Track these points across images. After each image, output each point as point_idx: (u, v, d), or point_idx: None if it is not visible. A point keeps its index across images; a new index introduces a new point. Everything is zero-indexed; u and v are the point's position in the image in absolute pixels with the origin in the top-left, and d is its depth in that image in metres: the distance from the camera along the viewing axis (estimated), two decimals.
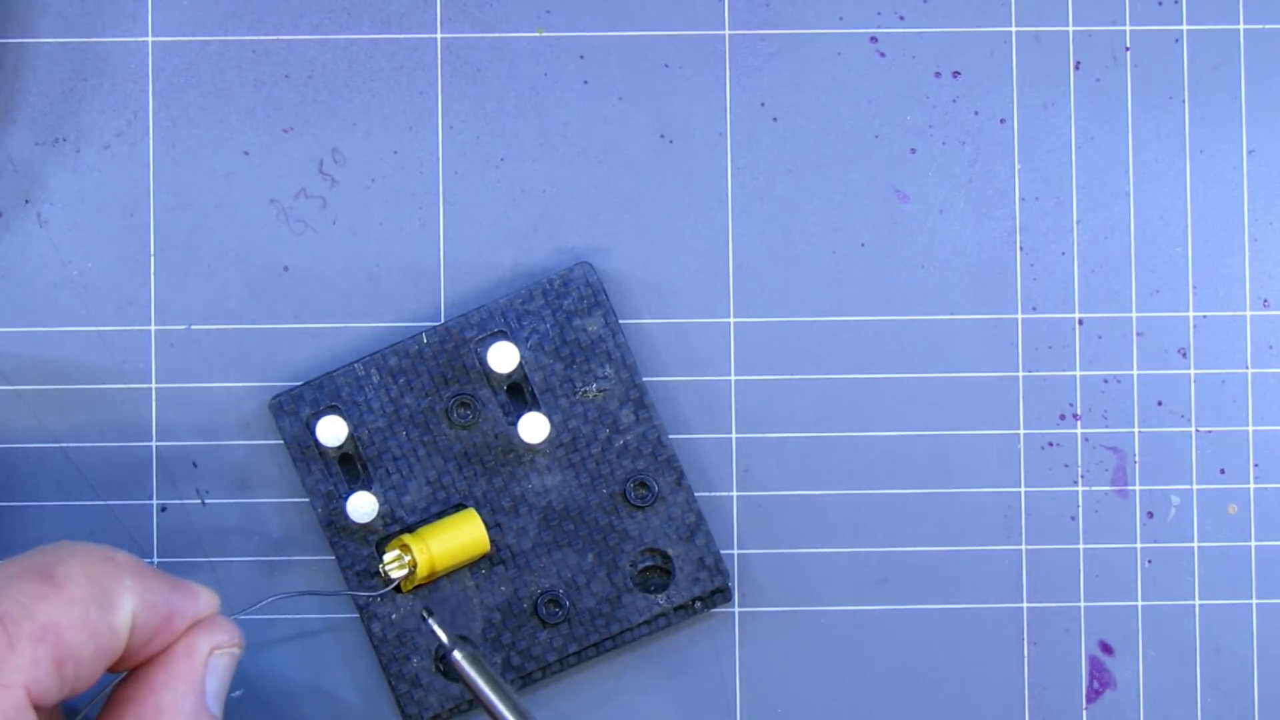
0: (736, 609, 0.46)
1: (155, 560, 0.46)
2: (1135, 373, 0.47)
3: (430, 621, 0.42)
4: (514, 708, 0.42)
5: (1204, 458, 0.47)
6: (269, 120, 0.46)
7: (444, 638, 0.42)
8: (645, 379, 0.46)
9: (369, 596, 0.44)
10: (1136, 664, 0.47)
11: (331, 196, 0.46)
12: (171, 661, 0.39)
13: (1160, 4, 0.47)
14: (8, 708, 0.35)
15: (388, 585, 0.44)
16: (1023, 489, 0.47)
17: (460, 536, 0.44)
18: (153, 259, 0.46)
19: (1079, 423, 0.47)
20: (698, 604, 0.46)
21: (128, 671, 0.39)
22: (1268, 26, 0.47)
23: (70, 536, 0.45)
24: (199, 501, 0.46)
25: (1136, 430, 0.47)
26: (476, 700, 0.42)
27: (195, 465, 0.46)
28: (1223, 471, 0.47)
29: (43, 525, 0.45)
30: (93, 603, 0.37)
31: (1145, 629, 0.47)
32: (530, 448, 0.45)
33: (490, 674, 0.42)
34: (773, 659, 0.46)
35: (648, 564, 0.46)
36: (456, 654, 0.42)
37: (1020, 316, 0.47)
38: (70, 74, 0.46)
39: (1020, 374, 0.47)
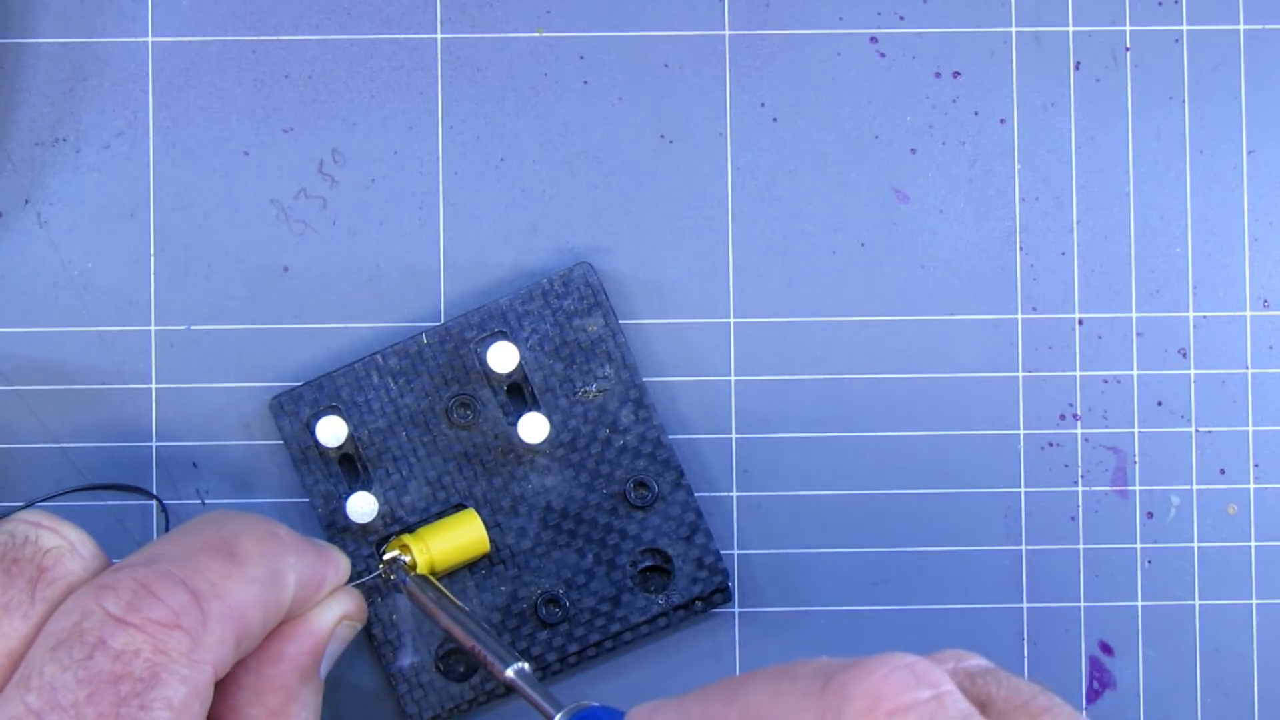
0: (736, 609, 0.46)
1: None
2: (1135, 373, 0.47)
3: (395, 560, 0.44)
4: (466, 626, 0.42)
5: (1204, 458, 0.47)
6: (269, 120, 0.46)
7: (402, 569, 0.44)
8: (645, 379, 0.46)
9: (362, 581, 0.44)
10: (1136, 664, 0.47)
11: (331, 196, 0.46)
12: (305, 620, 0.40)
13: (1160, 4, 0.47)
14: (201, 684, 0.36)
15: (386, 586, 0.44)
16: (1023, 489, 0.47)
17: (460, 536, 0.44)
18: (153, 259, 0.46)
19: (1079, 423, 0.47)
20: (698, 604, 0.46)
21: None
22: (1268, 26, 0.47)
23: None
24: (199, 501, 0.46)
25: (1136, 430, 0.47)
26: (431, 617, 0.43)
27: (195, 465, 0.46)
28: (1223, 471, 0.47)
29: None
30: (268, 582, 0.38)
31: (1145, 629, 0.47)
32: (530, 448, 0.45)
33: (443, 596, 0.43)
34: (773, 659, 0.46)
35: (648, 564, 0.46)
36: (409, 579, 0.44)
37: (1020, 316, 0.47)
38: (70, 74, 0.46)
39: (1020, 374, 0.47)
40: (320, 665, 0.41)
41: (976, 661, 0.34)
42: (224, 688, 0.39)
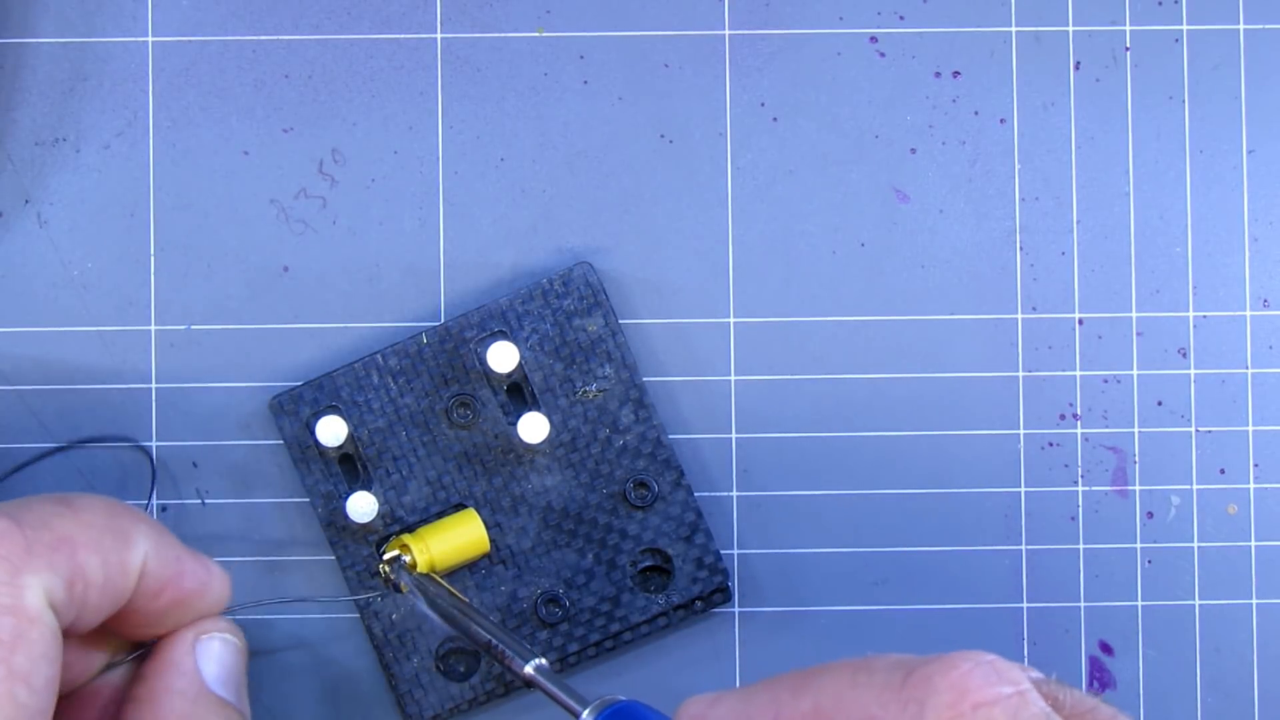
0: (736, 609, 0.46)
1: None
2: (1135, 373, 0.47)
3: (395, 563, 0.44)
4: (472, 620, 0.42)
5: (1204, 458, 0.47)
6: (269, 120, 0.46)
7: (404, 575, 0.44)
8: (645, 379, 0.46)
9: (368, 599, 0.44)
10: (1136, 664, 0.47)
11: (331, 196, 0.46)
12: (161, 650, 0.40)
13: (1160, 4, 0.47)
14: (30, 611, 0.35)
15: (387, 586, 0.44)
16: (1023, 489, 0.47)
17: (460, 536, 0.44)
18: (153, 259, 0.46)
19: (1079, 423, 0.47)
20: (698, 604, 0.46)
21: (132, 658, 0.40)
22: (1268, 26, 0.47)
23: None
24: (199, 501, 0.46)
25: (1136, 430, 0.47)
26: (440, 613, 0.43)
27: (195, 465, 0.46)
28: (1223, 471, 0.47)
29: None
30: (108, 532, 0.37)
31: (1145, 629, 0.47)
32: (530, 448, 0.45)
33: (447, 595, 0.43)
34: (773, 659, 0.46)
35: (648, 564, 0.46)
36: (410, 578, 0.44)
37: (1020, 316, 0.47)
38: (70, 74, 0.46)
39: (1020, 374, 0.47)
40: (206, 686, 0.39)
41: (1038, 674, 0.35)
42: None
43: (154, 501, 0.46)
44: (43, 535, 0.36)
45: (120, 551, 0.37)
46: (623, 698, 0.38)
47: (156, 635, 0.40)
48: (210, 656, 0.40)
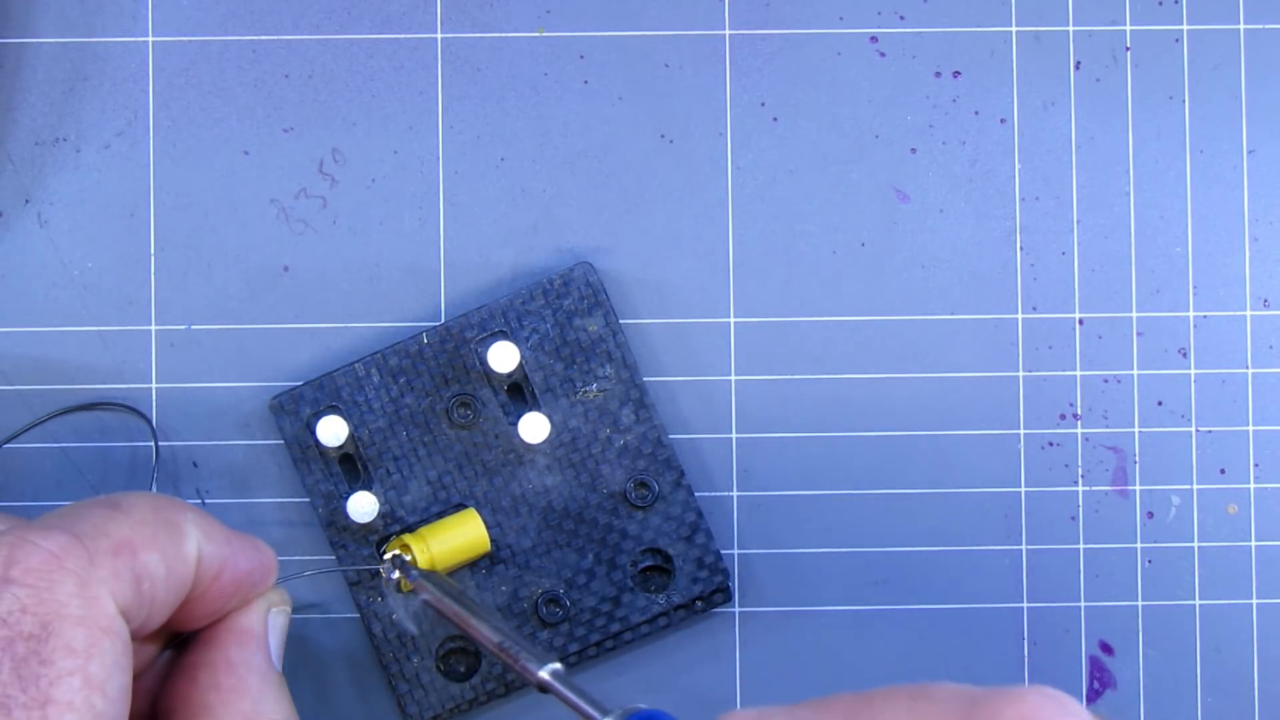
0: (736, 609, 0.46)
1: None
2: (1135, 373, 0.47)
3: (397, 561, 0.44)
4: (481, 618, 0.42)
5: (1204, 458, 0.47)
6: (269, 120, 0.46)
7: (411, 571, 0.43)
8: (645, 379, 0.46)
9: (390, 566, 0.44)
10: (1136, 664, 0.47)
11: (331, 196, 0.46)
12: (233, 620, 0.40)
13: (1160, 4, 0.47)
14: (103, 620, 0.35)
15: (387, 585, 0.44)
16: (1023, 489, 0.47)
17: (460, 536, 0.44)
18: (153, 259, 0.46)
19: (1079, 423, 0.47)
20: (698, 604, 0.46)
21: (189, 637, 0.40)
22: (1268, 26, 0.47)
23: None
24: (199, 501, 0.46)
25: (1136, 430, 0.47)
26: (448, 615, 0.43)
27: (195, 465, 0.46)
28: (1223, 471, 0.47)
29: None
30: (160, 526, 0.37)
31: (1145, 629, 0.47)
32: (530, 448, 0.45)
33: (455, 593, 0.43)
34: (773, 659, 0.46)
35: (648, 564, 0.46)
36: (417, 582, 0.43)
37: (1020, 316, 0.47)
38: (70, 74, 0.46)
39: (1020, 374, 0.47)
40: (271, 659, 0.40)
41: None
42: (186, 699, 0.39)
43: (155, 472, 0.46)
44: (102, 543, 0.36)
45: (176, 543, 0.38)
46: (644, 706, 0.37)
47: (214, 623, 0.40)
48: (274, 629, 0.41)
